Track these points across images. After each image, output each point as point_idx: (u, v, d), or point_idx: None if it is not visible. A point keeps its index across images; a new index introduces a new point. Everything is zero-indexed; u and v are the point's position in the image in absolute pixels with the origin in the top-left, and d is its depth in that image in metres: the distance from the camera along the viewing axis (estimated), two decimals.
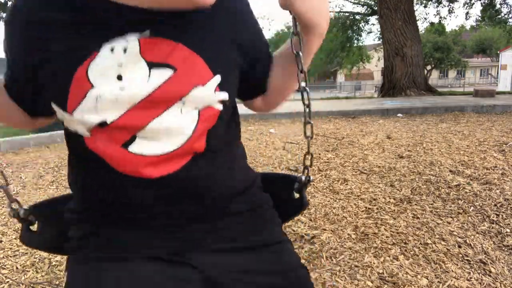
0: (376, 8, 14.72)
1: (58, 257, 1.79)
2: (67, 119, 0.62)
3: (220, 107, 0.64)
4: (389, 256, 1.73)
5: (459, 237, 1.89)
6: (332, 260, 1.71)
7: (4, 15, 16.91)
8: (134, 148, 0.61)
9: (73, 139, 0.66)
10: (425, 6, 17.36)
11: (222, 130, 0.69)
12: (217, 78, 0.63)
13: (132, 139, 0.61)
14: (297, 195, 0.83)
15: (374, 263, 1.69)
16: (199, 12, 0.61)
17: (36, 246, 0.89)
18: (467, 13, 17.03)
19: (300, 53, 0.68)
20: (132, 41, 0.58)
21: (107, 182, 0.65)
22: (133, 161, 0.62)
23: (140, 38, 0.59)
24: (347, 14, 19.26)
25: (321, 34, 0.67)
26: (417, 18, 12.56)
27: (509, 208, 2.22)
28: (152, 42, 0.59)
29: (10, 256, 1.82)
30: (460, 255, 1.72)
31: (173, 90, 0.60)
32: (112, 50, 0.58)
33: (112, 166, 0.63)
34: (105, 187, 0.65)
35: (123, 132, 0.61)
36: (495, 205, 2.27)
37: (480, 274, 1.57)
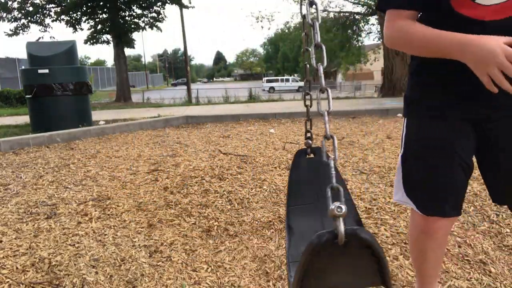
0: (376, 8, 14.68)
1: (58, 257, 1.79)
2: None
3: None
4: (389, 256, 1.73)
5: (459, 237, 1.89)
6: None
7: (4, 14, 16.92)
8: None
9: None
10: None
11: None
12: None
13: None
14: None
15: None
16: None
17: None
18: None
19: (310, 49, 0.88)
20: None
21: None
22: None
23: None
24: (347, 14, 19.24)
25: None
26: None
27: None
28: None
29: (10, 256, 1.82)
30: (460, 255, 1.72)
31: None
32: None
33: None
34: None
35: None
36: (495, 205, 2.27)
37: (480, 274, 1.57)
